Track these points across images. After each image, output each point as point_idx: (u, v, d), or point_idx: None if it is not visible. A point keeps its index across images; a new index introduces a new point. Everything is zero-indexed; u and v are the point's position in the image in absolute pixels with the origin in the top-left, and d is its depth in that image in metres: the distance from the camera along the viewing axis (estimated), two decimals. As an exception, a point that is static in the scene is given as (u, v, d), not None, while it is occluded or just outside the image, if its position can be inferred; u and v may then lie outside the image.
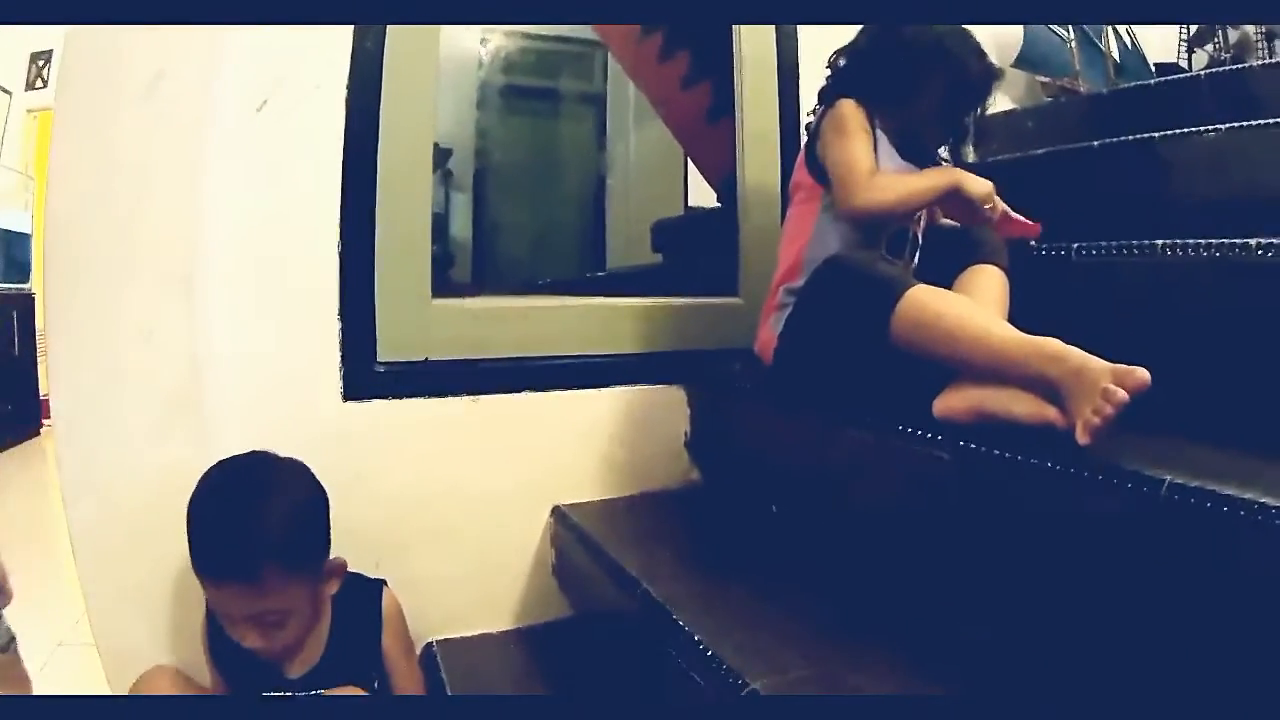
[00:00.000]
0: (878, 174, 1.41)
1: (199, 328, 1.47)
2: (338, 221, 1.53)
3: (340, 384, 1.53)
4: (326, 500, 1.34)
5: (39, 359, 5.49)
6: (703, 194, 2.59)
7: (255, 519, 1.25)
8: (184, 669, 1.41)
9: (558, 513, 1.66)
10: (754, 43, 1.96)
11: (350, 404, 1.54)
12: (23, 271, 5.48)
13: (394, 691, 1.42)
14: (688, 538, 1.54)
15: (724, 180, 2.18)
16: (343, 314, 1.52)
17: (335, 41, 1.55)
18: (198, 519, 1.26)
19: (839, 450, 1.33)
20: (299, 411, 1.50)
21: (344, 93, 1.54)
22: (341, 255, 1.52)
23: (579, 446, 1.72)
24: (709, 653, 1.03)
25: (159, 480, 1.43)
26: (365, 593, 1.41)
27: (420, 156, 1.59)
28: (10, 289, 5.26)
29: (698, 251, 2.27)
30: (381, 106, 1.56)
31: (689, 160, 2.75)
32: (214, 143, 1.48)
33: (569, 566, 1.62)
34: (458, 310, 1.63)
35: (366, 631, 1.40)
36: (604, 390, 1.73)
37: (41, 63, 6.40)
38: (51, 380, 1.50)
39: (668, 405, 1.79)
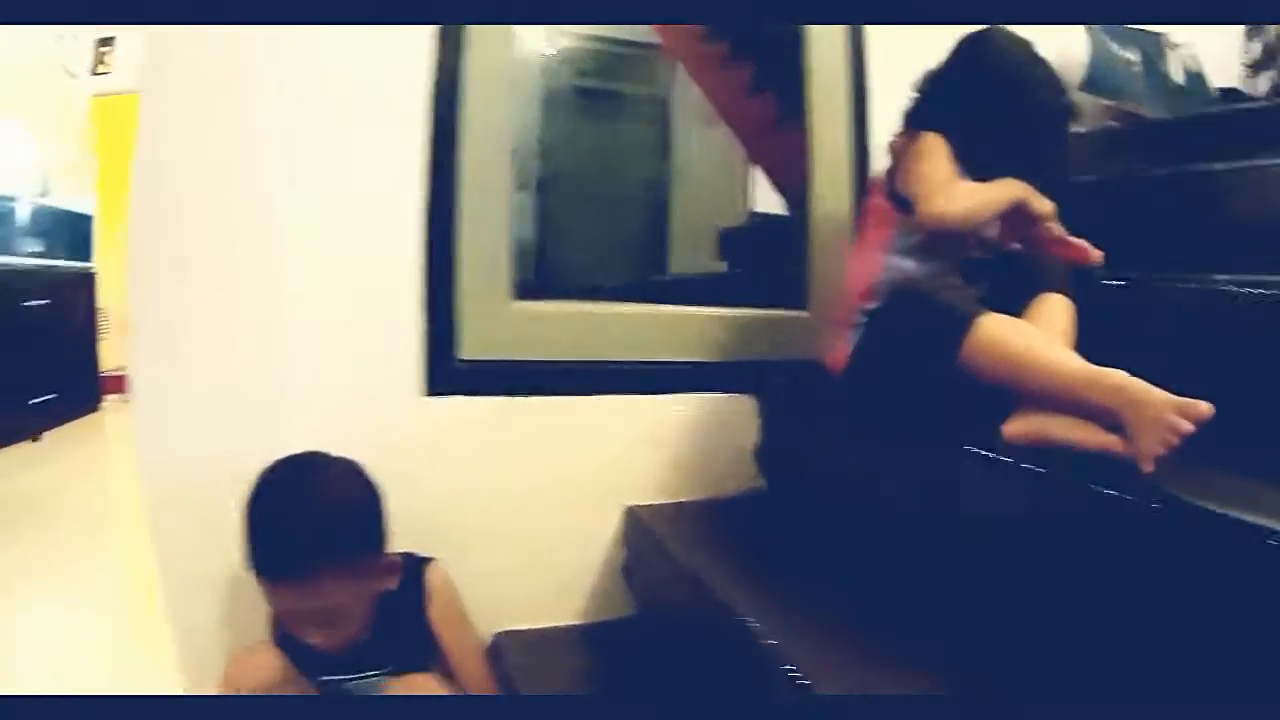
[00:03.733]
0: (955, 183, 1.46)
1: (282, 320, 1.53)
2: (422, 223, 1.58)
3: (421, 378, 1.58)
4: (380, 499, 1.37)
5: (99, 337, 5.62)
6: (765, 199, 2.61)
7: (310, 521, 1.28)
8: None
9: (630, 513, 1.70)
10: (823, 56, 1.98)
11: (430, 398, 1.59)
12: (84, 251, 5.59)
13: (451, 663, 1.46)
14: (754, 543, 1.57)
15: (791, 188, 2.20)
16: (426, 312, 1.58)
17: (416, 49, 1.60)
18: (253, 521, 1.30)
19: (906, 467, 1.36)
20: (379, 404, 1.56)
21: (426, 100, 1.60)
22: (426, 256, 1.58)
23: (650, 450, 1.76)
24: (777, 654, 1.07)
25: (234, 466, 1.44)
26: (409, 570, 1.44)
27: (499, 161, 1.64)
28: (73, 268, 5.37)
29: (764, 260, 2.29)
30: (460, 113, 1.61)
31: (752, 165, 2.77)
32: (301, 144, 1.54)
33: (639, 566, 1.66)
34: (537, 313, 1.68)
35: (411, 607, 1.43)
36: (675, 396, 1.77)
37: (106, 48, 6.52)
38: (133, 366, 1.57)
39: (737, 413, 1.81)
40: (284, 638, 1.41)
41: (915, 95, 1.62)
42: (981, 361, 1.24)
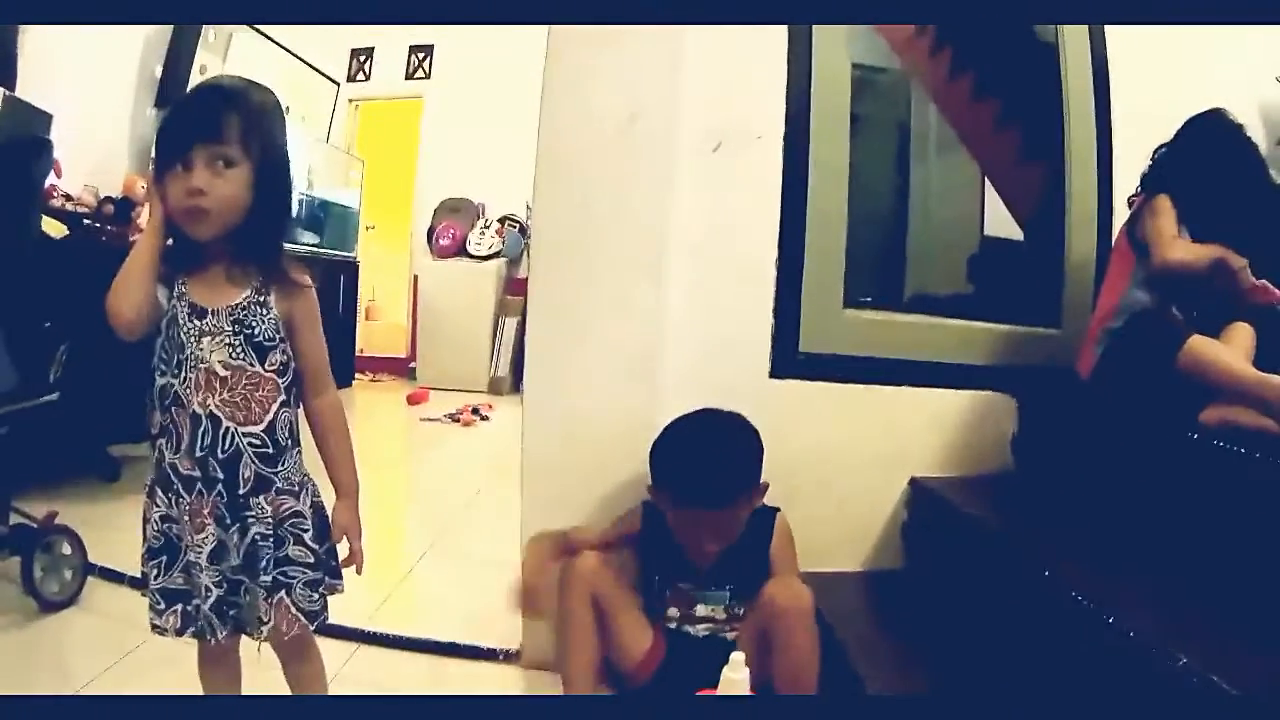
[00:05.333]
0: (1177, 240, 1.95)
1: (660, 312, 1.96)
2: (776, 243, 2.01)
3: (768, 363, 2.02)
4: (760, 441, 1.76)
5: (357, 320, 6.28)
6: (998, 224, 2.92)
7: (735, 465, 1.71)
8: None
9: (915, 482, 2.10)
10: (1078, 114, 2.37)
11: (774, 380, 2.03)
12: (348, 241, 6.25)
13: (776, 576, 1.78)
14: (1011, 512, 1.96)
15: (1029, 217, 2.55)
16: (775, 313, 2.02)
17: (772, 95, 2.03)
18: (677, 460, 1.72)
19: (1134, 443, 1.88)
20: (735, 382, 1.96)
21: (780, 142, 2.03)
22: (777, 268, 2.02)
23: (930, 432, 2.15)
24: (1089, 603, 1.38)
25: (612, 425, 1.94)
26: (762, 513, 1.82)
27: (839, 195, 2.07)
28: (337, 255, 6.01)
29: (1013, 283, 2.62)
30: (810, 155, 2.03)
31: (987, 191, 3.08)
32: (679, 172, 1.97)
33: (921, 525, 2.06)
34: (862, 320, 2.12)
35: (761, 542, 1.81)
36: (954, 391, 2.16)
37: (363, 58, 7.23)
38: (530, 338, 2.02)
39: (999, 408, 2.19)
40: (644, 550, 1.83)
41: (1151, 162, 2.12)
42: (1190, 367, 1.81)
